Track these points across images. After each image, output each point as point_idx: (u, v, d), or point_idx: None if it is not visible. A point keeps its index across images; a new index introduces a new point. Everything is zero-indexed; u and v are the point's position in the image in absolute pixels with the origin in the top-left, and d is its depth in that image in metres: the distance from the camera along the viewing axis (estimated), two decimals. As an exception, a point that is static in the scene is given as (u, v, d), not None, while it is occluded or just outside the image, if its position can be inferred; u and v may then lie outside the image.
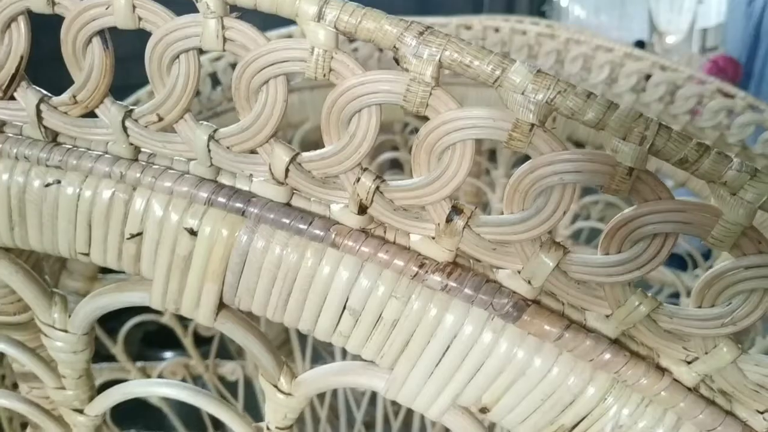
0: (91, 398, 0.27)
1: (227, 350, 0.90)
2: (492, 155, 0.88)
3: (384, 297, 0.21)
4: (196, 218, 0.22)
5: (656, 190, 0.18)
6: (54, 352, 0.26)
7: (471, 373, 0.21)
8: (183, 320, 0.81)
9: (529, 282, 0.20)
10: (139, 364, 0.79)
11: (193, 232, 0.22)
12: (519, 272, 0.20)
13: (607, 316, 0.20)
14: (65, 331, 0.25)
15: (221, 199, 0.21)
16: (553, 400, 0.20)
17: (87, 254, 0.24)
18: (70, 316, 0.25)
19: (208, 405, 0.26)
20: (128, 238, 0.23)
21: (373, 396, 0.92)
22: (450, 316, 0.20)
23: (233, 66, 0.65)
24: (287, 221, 0.21)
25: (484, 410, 0.21)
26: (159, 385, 0.26)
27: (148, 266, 0.23)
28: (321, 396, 0.90)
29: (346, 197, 0.21)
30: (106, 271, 0.77)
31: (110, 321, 0.81)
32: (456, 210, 0.20)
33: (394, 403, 0.92)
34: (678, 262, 0.77)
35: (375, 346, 0.22)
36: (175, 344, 0.87)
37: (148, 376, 0.82)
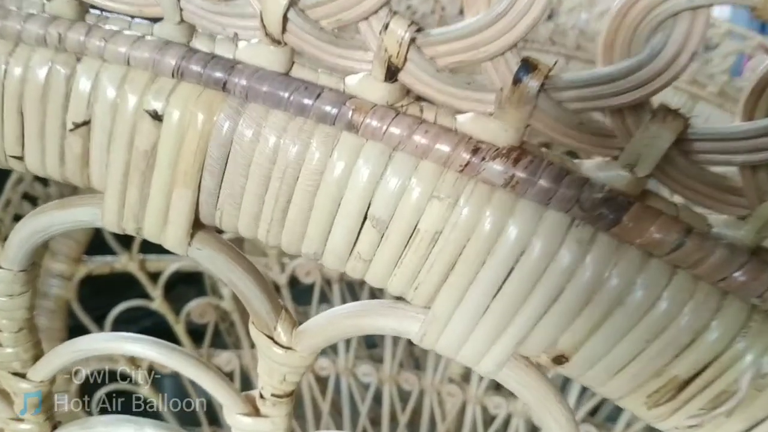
0: (35, 358, 0.21)
1: (223, 341, 0.84)
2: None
3: (421, 199, 0.15)
4: (161, 97, 0.16)
5: (842, 10, 0.12)
6: (-17, 295, 0.20)
7: (543, 306, 0.15)
8: (174, 306, 0.75)
9: (632, 170, 0.14)
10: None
11: (157, 116, 0.16)
12: (616, 158, 0.14)
13: (743, 218, 0.14)
14: (-4, 266, 0.19)
15: (195, 68, 0.15)
16: (663, 341, 0.14)
17: (20, 158, 0.18)
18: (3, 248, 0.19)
19: (185, 366, 0.20)
20: (71, 130, 0.17)
21: (378, 392, 0.86)
22: (514, 225, 0.14)
23: None
24: (286, 95, 0.15)
25: (560, 359, 0.15)
26: (122, 340, 0.21)
27: (99, 170, 0.17)
28: (323, 390, 0.84)
29: (368, 60, 0.15)
30: (91, 252, 0.71)
31: (99, 308, 0.75)
32: (528, 66, 0.14)
33: (401, 398, 0.86)
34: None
35: (407, 273, 0.16)
36: (168, 341, 0.82)
37: (138, 367, 0.76)
